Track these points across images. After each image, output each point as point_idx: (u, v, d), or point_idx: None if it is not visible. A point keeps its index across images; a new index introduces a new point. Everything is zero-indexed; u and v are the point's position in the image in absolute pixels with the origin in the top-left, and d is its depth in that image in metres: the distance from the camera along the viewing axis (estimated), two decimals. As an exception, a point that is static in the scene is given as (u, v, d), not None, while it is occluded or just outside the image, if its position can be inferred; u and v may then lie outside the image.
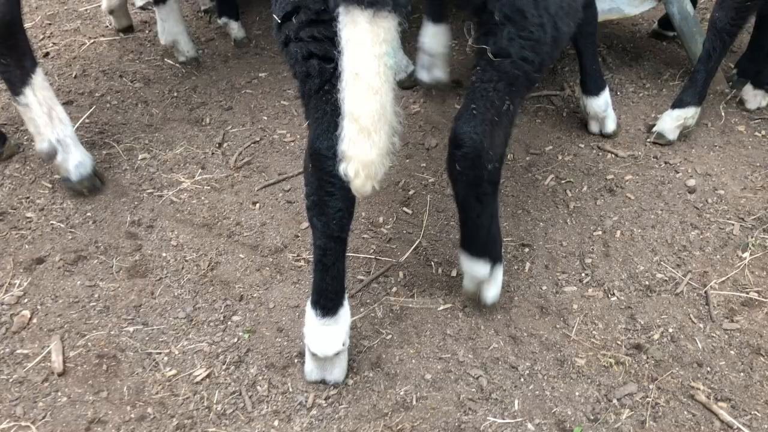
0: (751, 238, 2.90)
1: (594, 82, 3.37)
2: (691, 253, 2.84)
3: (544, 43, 2.07)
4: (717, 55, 3.25)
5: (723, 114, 3.62)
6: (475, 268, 2.42)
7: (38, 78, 2.86)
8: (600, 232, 2.94)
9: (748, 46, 3.77)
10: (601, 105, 3.39)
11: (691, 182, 3.18)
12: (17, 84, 2.83)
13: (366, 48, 1.68)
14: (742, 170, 3.26)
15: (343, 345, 2.22)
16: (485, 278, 2.44)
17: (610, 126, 3.45)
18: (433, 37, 3.54)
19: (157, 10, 3.98)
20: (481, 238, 2.38)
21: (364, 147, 1.74)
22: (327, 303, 2.18)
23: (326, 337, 2.19)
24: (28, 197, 3.04)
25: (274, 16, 1.98)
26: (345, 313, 2.22)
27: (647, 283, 2.71)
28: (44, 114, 2.88)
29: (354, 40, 1.68)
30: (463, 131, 2.12)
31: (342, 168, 1.79)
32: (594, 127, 3.50)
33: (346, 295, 2.24)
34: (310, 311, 2.21)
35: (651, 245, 2.88)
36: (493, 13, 1.99)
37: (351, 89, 1.71)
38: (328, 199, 2.07)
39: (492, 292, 2.50)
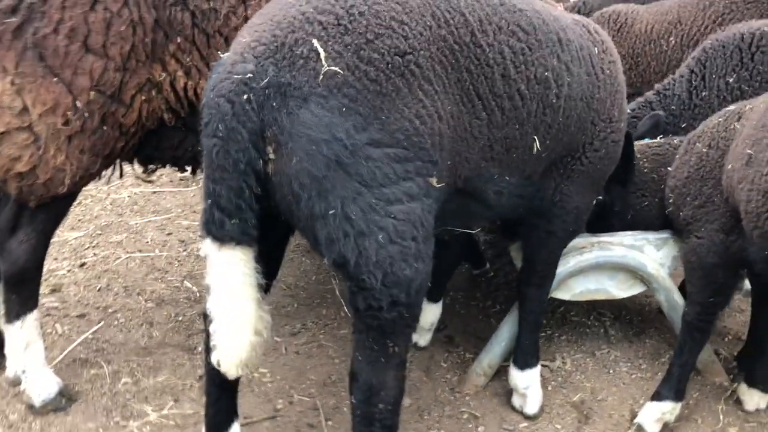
0: None
1: (523, 355, 3.33)
2: None
3: (380, 290, 2.21)
4: (689, 350, 3.19)
5: (719, 412, 3.41)
6: None
7: (32, 317, 3.15)
8: None
9: (747, 337, 3.65)
10: (523, 382, 3.32)
11: (666, 489, 2.96)
12: (11, 316, 3.13)
13: (217, 268, 2.17)
14: (724, 483, 3.02)
15: None
16: None
17: (530, 408, 3.33)
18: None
19: None
20: None
21: (221, 342, 2.18)
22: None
23: None
24: (3, 411, 3.19)
25: None
26: None
27: None
28: (21, 347, 3.15)
29: (209, 261, 2.18)
30: (356, 368, 2.38)
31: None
32: (516, 401, 3.39)
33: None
34: None
35: None
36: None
37: (210, 296, 2.19)
38: (210, 352, 2.41)
39: None
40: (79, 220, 5.27)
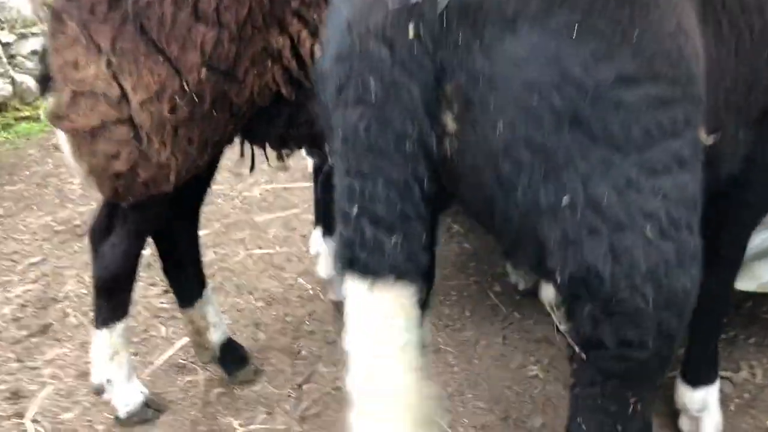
0: None
1: (696, 370, 2.60)
2: None
3: (647, 313, 1.44)
4: None
5: None
6: None
7: (121, 326, 2.89)
8: None
9: None
10: (695, 402, 2.59)
11: None
12: (99, 322, 2.88)
13: (364, 322, 1.48)
14: None
15: None
16: None
17: None
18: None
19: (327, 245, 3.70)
20: None
21: None
22: None
23: None
24: (90, 420, 3.01)
25: None
26: None
27: None
28: (107, 355, 2.90)
29: (349, 311, 1.50)
30: None
31: None
32: (685, 425, 2.65)
33: None
34: None
35: None
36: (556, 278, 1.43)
37: (350, 368, 1.51)
38: None
39: None
40: (208, 219, 5.10)
